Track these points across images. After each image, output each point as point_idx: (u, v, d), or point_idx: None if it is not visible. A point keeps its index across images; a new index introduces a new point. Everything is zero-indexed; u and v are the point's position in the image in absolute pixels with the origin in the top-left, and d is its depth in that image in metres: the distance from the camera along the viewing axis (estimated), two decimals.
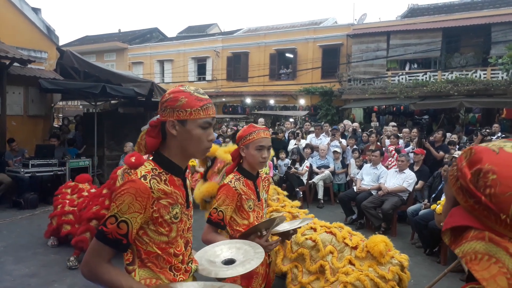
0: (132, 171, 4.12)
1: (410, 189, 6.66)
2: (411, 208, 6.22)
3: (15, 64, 8.93)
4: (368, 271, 3.37)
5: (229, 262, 1.79)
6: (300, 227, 2.59)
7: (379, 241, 3.51)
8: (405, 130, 9.61)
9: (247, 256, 1.82)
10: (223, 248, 1.89)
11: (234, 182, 2.25)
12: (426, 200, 6.24)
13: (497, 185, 0.79)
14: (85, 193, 5.52)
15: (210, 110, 1.53)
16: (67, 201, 5.44)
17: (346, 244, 3.65)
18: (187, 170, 1.68)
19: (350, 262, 3.50)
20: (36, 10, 11.44)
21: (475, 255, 0.80)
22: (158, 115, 1.54)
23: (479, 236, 0.81)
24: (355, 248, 3.61)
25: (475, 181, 0.82)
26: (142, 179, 1.42)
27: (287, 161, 9.09)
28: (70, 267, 4.76)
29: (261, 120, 14.92)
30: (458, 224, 0.85)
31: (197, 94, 1.51)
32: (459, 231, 0.85)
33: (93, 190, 5.56)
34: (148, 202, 1.41)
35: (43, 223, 5.98)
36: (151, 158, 1.57)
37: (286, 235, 2.41)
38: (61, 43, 13.57)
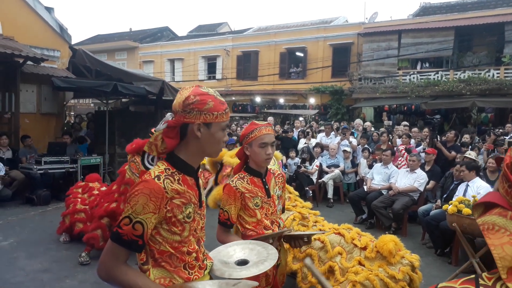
0: (136, 158, 4.15)
1: (421, 189, 6.60)
2: (422, 208, 6.17)
3: (29, 62, 9.05)
4: (378, 271, 3.35)
5: (243, 263, 1.80)
6: (314, 235, 2.61)
7: (389, 240, 3.48)
8: (414, 129, 9.54)
9: (260, 257, 1.82)
10: (236, 249, 1.89)
11: (235, 182, 2.27)
12: (438, 201, 6.19)
13: None
14: (96, 192, 5.58)
15: (229, 114, 1.58)
16: (79, 200, 5.51)
17: (355, 245, 3.62)
18: (199, 170, 1.69)
19: (360, 263, 3.48)
20: (49, 9, 11.58)
21: (493, 226, 0.89)
22: (171, 114, 1.54)
23: (502, 213, 0.90)
24: (364, 249, 3.58)
25: None
26: (156, 179, 1.44)
27: (297, 160, 9.08)
28: (82, 262, 4.82)
29: (270, 118, 14.91)
30: (488, 200, 0.95)
31: (219, 98, 1.55)
32: (489, 208, 0.94)
33: (103, 188, 5.61)
34: (162, 202, 1.42)
35: (55, 220, 6.05)
36: (164, 158, 1.57)
37: (299, 241, 2.39)
38: (73, 42, 13.72)
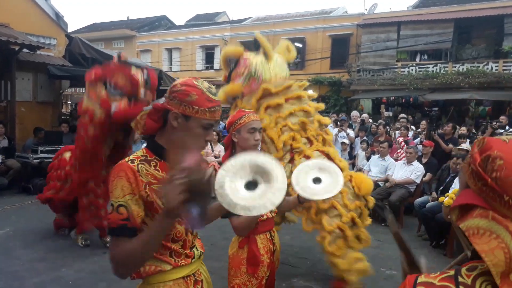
0: (97, 85, 4.12)
1: (418, 181, 6.62)
2: (418, 200, 6.19)
3: (24, 50, 8.96)
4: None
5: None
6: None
7: (365, 179, 3.82)
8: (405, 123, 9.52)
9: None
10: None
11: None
12: (433, 193, 6.21)
13: (503, 169, 0.90)
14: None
15: (217, 114, 1.51)
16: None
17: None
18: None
19: None
20: None
21: (477, 230, 0.89)
22: (164, 99, 1.53)
23: (483, 214, 0.90)
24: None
25: (484, 166, 0.93)
26: (129, 162, 1.45)
27: None
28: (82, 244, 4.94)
29: None
30: (465, 202, 0.95)
31: (208, 93, 1.49)
32: (466, 209, 0.95)
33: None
34: (137, 183, 1.41)
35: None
36: (146, 146, 1.56)
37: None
38: (69, 30, 13.58)
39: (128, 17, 31.08)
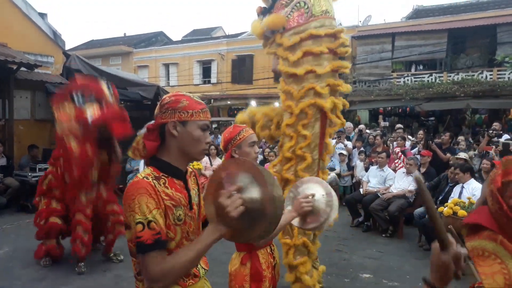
0: None
1: (414, 192, 6.61)
2: (418, 210, 6.19)
3: (22, 68, 9.01)
4: None
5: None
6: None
7: None
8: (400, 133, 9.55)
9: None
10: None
11: None
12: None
13: None
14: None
15: (208, 114, 1.60)
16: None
17: None
18: (190, 173, 1.68)
19: None
20: (43, 15, 11.54)
21: (483, 252, 0.89)
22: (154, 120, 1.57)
23: (492, 237, 0.90)
24: None
25: (503, 191, 0.92)
26: (144, 179, 1.46)
27: None
28: (79, 272, 4.75)
29: None
30: (478, 222, 0.95)
31: (196, 99, 1.58)
32: (476, 229, 0.95)
33: None
34: (157, 196, 1.44)
35: None
36: (149, 164, 1.58)
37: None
38: (67, 47, 13.67)
39: (125, 34, 31.27)
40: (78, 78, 4.56)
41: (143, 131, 1.57)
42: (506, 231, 0.89)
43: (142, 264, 1.40)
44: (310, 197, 2.22)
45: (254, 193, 1.42)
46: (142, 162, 8.14)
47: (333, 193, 2.37)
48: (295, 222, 2.27)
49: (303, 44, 3.31)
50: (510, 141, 7.45)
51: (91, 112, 4.21)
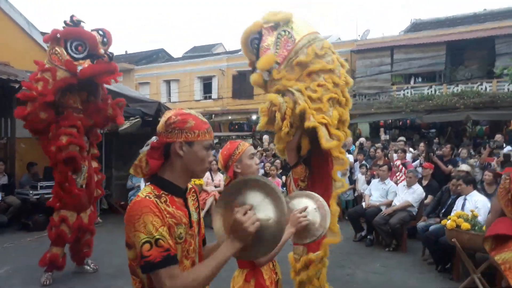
0: (57, 49, 4.47)
1: (416, 205, 6.57)
2: (421, 223, 6.14)
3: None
4: None
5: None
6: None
7: None
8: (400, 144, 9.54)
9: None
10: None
11: None
12: (424, 217, 6.26)
13: None
14: None
15: (212, 133, 1.62)
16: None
17: None
18: (190, 189, 1.69)
19: None
20: (45, 34, 11.66)
21: None
22: (156, 138, 1.58)
23: None
24: None
25: None
26: (147, 197, 1.46)
27: None
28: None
29: (265, 137, 14.92)
30: (502, 232, 0.90)
31: (201, 118, 1.58)
32: (502, 240, 0.91)
33: None
34: (161, 214, 1.44)
35: None
36: (150, 182, 1.57)
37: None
38: None
39: (126, 51, 31.60)
40: (70, 27, 4.67)
41: (145, 148, 1.57)
42: None
43: (158, 282, 1.40)
44: (303, 211, 2.23)
45: (268, 211, 1.50)
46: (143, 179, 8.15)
47: (324, 203, 2.36)
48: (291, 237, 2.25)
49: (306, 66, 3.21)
50: (511, 152, 7.45)
51: (81, 67, 4.43)
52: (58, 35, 4.54)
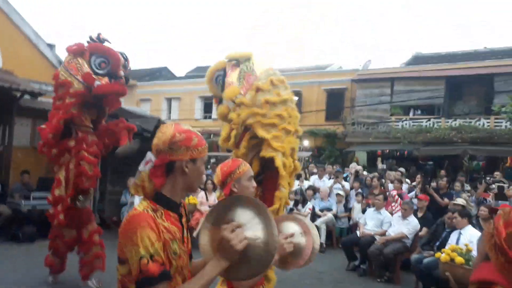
0: (78, 59, 4.43)
1: (410, 237, 6.52)
2: (415, 256, 6.08)
3: (26, 96, 9.12)
4: None
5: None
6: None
7: None
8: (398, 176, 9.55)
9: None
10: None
11: None
12: (418, 248, 6.20)
13: None
14: None
15: (207, 147, 1.64)
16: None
17: None
18: (181, 205, 1.67)
19: None
20: (51, 46, 11.83)
21: None
22: (152, 154, 1.56)
23: None
24: None
25: (509, 241, 0.90)
26: (144, 211, 1.45)
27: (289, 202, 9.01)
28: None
29: None
30: (486, 278, 0.94)
31: (199, 133, 1.60)
32: (485, 285, 0.93)
33: None
34: (158, 229, 1.43)
35: (40, 258, 5.83)
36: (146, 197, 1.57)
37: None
38: None
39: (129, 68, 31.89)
40: (98, 43, 4.71)
41: (144, 167, 1.56)
42: None
43: None
44: (289, 237, 2.15)
45: (257, 230, 1.47)
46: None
47: (310, 225, 2.33)
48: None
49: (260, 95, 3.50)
50: (504, 184, 7.46)
51: (99, 82, 4.41)
52: (85, 48, 4.59)
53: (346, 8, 76.02)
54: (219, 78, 3.70)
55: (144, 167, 1.55)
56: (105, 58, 4.58)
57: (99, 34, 4.73)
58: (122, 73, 4.64)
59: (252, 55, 3.64)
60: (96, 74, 4.49)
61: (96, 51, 4.60)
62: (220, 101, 3.71)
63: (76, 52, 4.58)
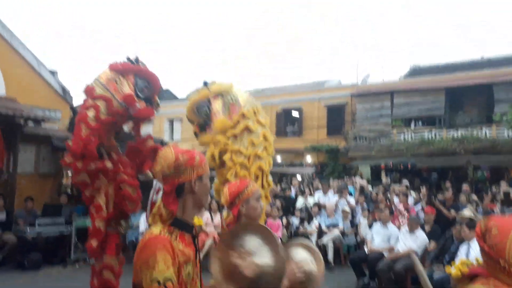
0: (121, 78, 4.17)
1: (419, 251, 6.45)
2: (425, 270, 5.99)
3: (29, 123, 9.19)
4: None
5: None
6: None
7: None
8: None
9: None
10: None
11: None
12: (428, 263, 6.13)
13: (496, 237, 1.08)
14: None
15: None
16: None
17: None
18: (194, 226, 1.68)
19: None
20: (53, 73, 11.97)
21: None
22: (158, 182, 1.59)
23: (484, 282, 1.08)
24: None
25: (483, 236, 1.14)
26: (161, 234, 1.47)
27: (294, 219, 8.94)
28: None
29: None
30: (472, 271, 1.19)
31: (196, 150, 1.65)
32: (472, 279, 1.18)
33: None
34: (174, 252, 1.44)
35: (47, 285, 5.80)
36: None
37: None
38: (75, 104, 14.02)
39: None
40: (147, 70, 4.67)
41: (158, 196, 1.59)
42: (496, 275, 1.07)
43: None
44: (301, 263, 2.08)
45: (265, 257, 1.50)
46: (142, 217, 8.03)
47: (320, 255, 2.22)
48: None
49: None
50: (510, 190, 7.43)
51: (139, 105, 4.35)
52: (130, 69, 4.49)
53: (346, 8, 76.72)
54: (203, 108, 3.95)
55: (156, 197, 1.57)
56: (149, 84, 4.55)
57: (137, 58, 4.72)
58: (158, 99, 4.65)
59: (232, 87, 3.94)
60: (138, 97, 4.41)
61: (144, 75, 4.52)
62: (201, 128, 3.97)
63: (120, 71, 4.46)
